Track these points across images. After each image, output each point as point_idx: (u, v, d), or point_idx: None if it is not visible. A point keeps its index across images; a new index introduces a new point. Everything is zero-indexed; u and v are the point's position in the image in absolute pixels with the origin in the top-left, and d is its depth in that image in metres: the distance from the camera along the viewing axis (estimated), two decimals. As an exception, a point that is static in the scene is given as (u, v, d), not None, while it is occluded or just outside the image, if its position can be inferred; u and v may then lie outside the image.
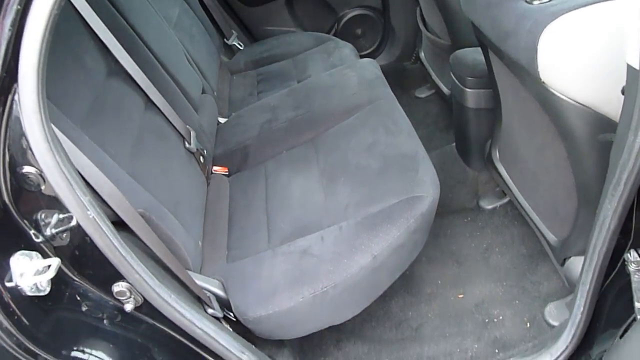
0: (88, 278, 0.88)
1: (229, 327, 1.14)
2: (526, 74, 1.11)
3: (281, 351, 1.29)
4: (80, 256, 0.86)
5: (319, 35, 2.29)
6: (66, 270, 0.86)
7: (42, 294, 0.80)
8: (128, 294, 0.90)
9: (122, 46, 1.31)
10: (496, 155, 1.61)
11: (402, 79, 2.51)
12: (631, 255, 0.95)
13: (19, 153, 0.77)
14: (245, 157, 1.65)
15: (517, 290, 1.49)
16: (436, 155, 1.90)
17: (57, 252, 0.84)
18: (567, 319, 1.12)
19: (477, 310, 1.46)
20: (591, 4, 0.97)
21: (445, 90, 2.11)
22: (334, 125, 1.60)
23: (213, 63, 2.08)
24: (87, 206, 0.80)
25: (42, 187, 0.80)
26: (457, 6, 1.68)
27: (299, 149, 1.59)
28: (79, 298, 0.87)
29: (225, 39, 2.41)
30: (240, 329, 1.16)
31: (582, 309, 1.06)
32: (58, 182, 0.78)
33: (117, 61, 1.29)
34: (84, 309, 0.88)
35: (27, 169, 0.78)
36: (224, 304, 1.19)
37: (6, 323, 0.76)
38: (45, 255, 0.81)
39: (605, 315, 1.06)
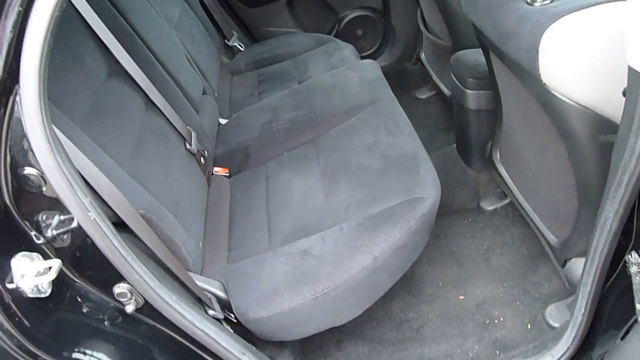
0: (89, 279, 0.88)
1: (229, 329, 1.14)
2: (527, 75, 1.11)
3: (282, 352, 1.29)
4: (81, 257, 0.86)
5: (320, 36, 2.29)
6: (67, 272, 0.86)
7: (43, 295, 0.80)
8: (129, 295, 0.90)
9: (123, 47, 1.31)
10: (497, 156, 1.61)
11: (402, 79, 2.51)
12: (632, 257, 0.95)
13: (20, 154, 0.77)
14: (246, 157, 1.65)
15: (518, 291, 1.49)
16: (437, 156, 1.90)
17: (58, 253, 0.84)
18: (568, 320, 1.12)
19: (477, 311, 1.46)
20: (592, 5, 0.97)
21: (445, 91, 2.11)
22: (335, 126, 1.60)
23: (214, 64, 2.08)
24: (88, 207, 0.80)
25: (43, 189, 0.80)
26: (457, 7, 1.67)
27: (299, 150, 1.59)
28: (79, 299, 0.87)
29: (226, 40, 2.41)
30: (241, 330, 1.16)
31: (583, 310, 1.06)
32: (59, 184, 0.78)
33: (117, 62, 1.29)
34: (84, 310, 0.88)
35: (28, 170, 0.78)
36: (225, 305, 1.19)
37: (7, 324, 0.76)
38: (46, 257, 0.81)
39: (606, 316, 1.06)
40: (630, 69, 0.81)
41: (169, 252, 1.05)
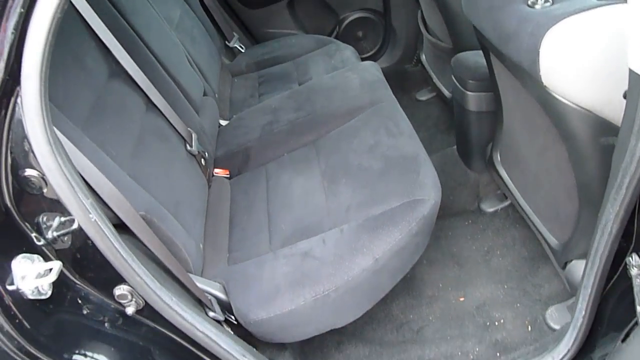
0: (89, 281, 0.88)
1: (230, 330, 1.14)
2: (528, 77, 1.11)
3: (282, 354, 1.29)
4: (82, 259, 0.86)
5: (321, 38, 2.29)
6: (67, 274, 0.86)
7: (43, 297, 0.80)
8: (129, 297, 0.90)
9: (123, 47, 1.31)
10: (497, 157, 1.61)
11: (403, 81, 2.51)
12: (633, 259, 0.95)
13: (21, 156, 0.77)
14: (247, 159, 1.65)
15: (518, 293, 1.49)
16: (437, 158, 1.90)
17: (59, 255, 0.84)
18: (569, 322, 1.12)
19: (478, 312, 1.46)
20: (593, 7, 0.97)
21: (446, 92, 2.12)
22: (336, 127, 1.60)
23: (214, 65, 2.08)
24: (89, 209, 0.80)
25: (44, 190, 0.80)
26: (458, 9, 1.68)
27: (300, 151, 1.59)
28: (80, 301, 0.87)
29: (226, 41, 2.41)
30: (241, 332, 1.16)
31: (583, 312, 1.06)
32: (60, 185, 0.78)
33: (118, 62, 1.29)
34: (85, 312, 0.88)
35: (29, 171, 0.78)
36: (225, 307, 1.19)
37: (7, 326, 0.76)
38: (46, 259, 0.81)
39: (607, 318, 1.06)
40: (631, 72, 0.81)
41: (170, 253, 1.05)
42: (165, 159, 1.32)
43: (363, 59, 2.15)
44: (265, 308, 1.13)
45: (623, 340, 0.97)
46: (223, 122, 1.86)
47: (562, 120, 1.08)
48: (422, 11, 2.23)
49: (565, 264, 1.34)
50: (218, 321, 1.13)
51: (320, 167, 1.48)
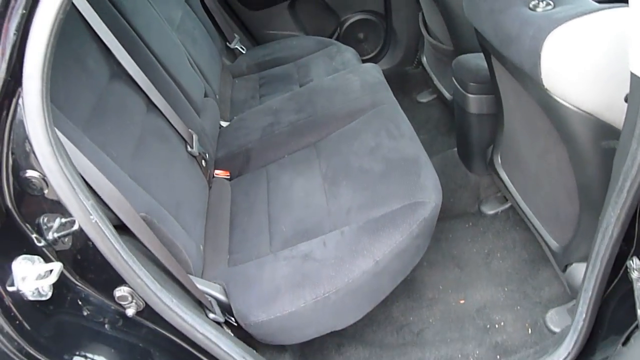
0: (90, 282, 0.88)
1: (230, 332, 1.14)
2: (529, 80, 1.11)
3: (282, 356, 1.29)
4: (82, 260, 0.86)
5: (321, 39, 2.29)
6: (68, 275, 0.86)
7: (43, 298, 0.80)
8: (130, 298, 0.90)
9: (125, 48, 1.31)
10: (498, 160, 1.61)
11: (403, 83, 2.51)
12: (634, 263, 0.95)
13: (23, 157, 0.77)
14: (247, 160, 1.65)
15: (519, 296, 1.48)
16: (438, 160, 1.90)
17: (59, 256, 0.84)
18: (569, 325, 1.12)
19: (478, 315, 1.46)
20: (595, 11, 0.97)
21: (446, 94, 2.12)
22: (337, 129, 1.60)
23: (215, 66, 2.08)
24: (89, 210, 0.80)
25: (45, 191, 0.80)
26: (459, 11, 1.68)
27: (301, 153, 1.59)
28: (80, 302, 0.87)
29: (227, 42, 2.41)
30: (242, 334, 1.16)
31: (584, 315, 1.06)
32: (61, 187, 0.77)
33: (119, 63, 1.29)
34: (85, 313, 0.88)
35: (30, 173, 0.78)
36: (225, 309, 1.18)
37: (7, 327, 0.76)
38: (47, 260, 0.81)
39: (608, 322, 1.06)
40: (632, 75, 0.81)
41: (170, 254, 1.04)
42: (165, 160, 1.32)
43: (364, 61, 2.15)
44: (265, 310, 1.13)
45: (624, 344, 0.97)
46: (224, 123, 1.86)
47: (563, 123, 1.08)
48: (423, 13, 2.23)
49: (566, 266, 1.34)
50: (218, 323, 1.13)
51: (321, 169, 1.48)
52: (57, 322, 0.85)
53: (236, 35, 2.45)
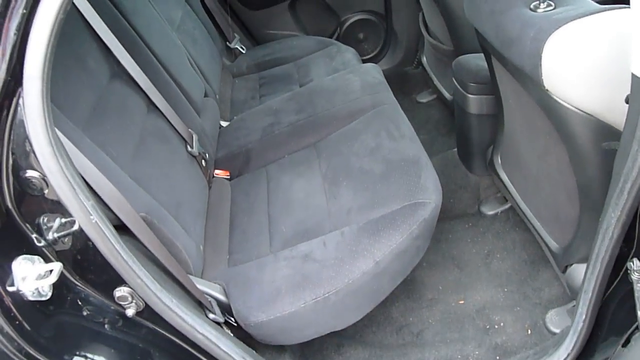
0: (90, 283, 0.87)
1: (230, 332, 1.14)
2: (529, 81, 1.11)
3: (282, 356, 1.29)
4: (82, 261, 0.86)
5: (322, 39, 2.29)
6: (68, 275, 0.85)
7: (43, 298, 0.80)
8: (130, 298, 0.90)
9: (125, 48, 1.31)
10: (498, 161, 1.61)
11: (403, 83, 2.51)
12: (634, 264, 0.95)
13: (23, 157, 0.77)
14: (247, 160, 1.65)
15: (518, 297, 1.49)
16: (438, 160, 1.90)
17: (59, 256, 0.84)
18: (569, 326, 1.12)
19: (478, 316, 1.46)
20: (596, 12, 0.97)
21: (446, 95, 2.12)
22: (337, 129, 1.60)
23: (215, 66, 2.08)
24: (90, 211, 0.80)
25: (45, 191, 0.79)
26: (460, 12, 1.68)
27: (301, 153, 1.59)
28: (80, 303, 0.87)
29: (227, 42, 2.41)
30: (241, 334, 1.16)
31: (584, 316, 1.06)
32: (61, 187, 0.77)
33: (119, 63, 1.29)
34: (85, 313, 0.88)
35: (30, 173, 0.78)
36: (225, 309, 1.18)
37: (7, 328, 0.76)
38: (47, 260, 0.81)
39: (608, 323, 1.06)
40: (633, 77, 0.81)
41: (170, 255, 1.04)
42: (166, 160, 1.32)
43: (364, 61, 2.14)
44: (265, 310, 1.13)
45: (624, 345, 0.97)
46: (224, 123, 1.86)
47: (563, 124, 1.08)
48: (423, 13, 2.23)
49: (566, 267, 1.34)
50: (218, 323, 1.13)
51: (321, 170, 1.48)
52: (57, 322, 0.85)
53: (236, 35, 2.45)
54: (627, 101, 0.85)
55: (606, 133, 1.02)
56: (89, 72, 1.18)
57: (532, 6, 1.09)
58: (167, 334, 0.97)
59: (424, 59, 2.40)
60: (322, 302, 1.13)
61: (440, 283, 1.58)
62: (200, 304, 1.12)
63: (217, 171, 1.61)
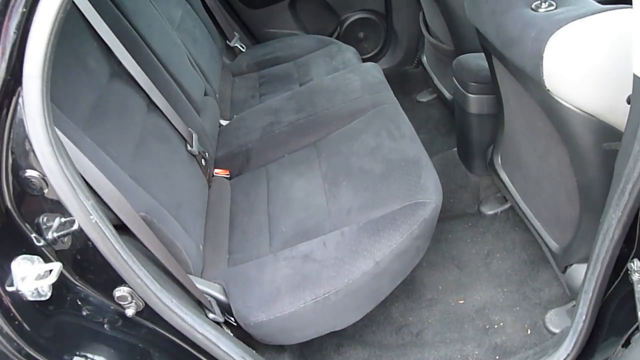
0: (89, 283, 0.87)
1: (229, 332, 1.13)
2: (530, 81, 1.11)
3: (281, 356, 1.29)
4: (82, 260, 0.85)
5: (322, 38, 2.29)
6: (67, 275, 0.85)
7: (43, 298, 0.79)
8: (129, 298, 0.90)
9: (125, 48, 1.31)
10: (498, 161, 1.61)
11: (403, 82, 2.51)
12: (634, 265, 0.95)
13: (22, 156, 0.77)
14: (247, 159, 1.65)
15: (518, 297, 1.48)
16: (438, 160, 1.90)
17: (59, 256, 0.83)
18: (569, 326, 1.12)
19: (477, 316, 1.46)
20: (597, 12, 0.97)
21: (447, 94, 2.11)
22: (337, 129, 1.60)
23: (215, 65, 2.07)
24: (90, 210, 0.80)
25: (45, 191, 0.79)
26: (460, 11, 1.67)
27: (301, 152, 1.59)
28: (80, 303, 0.87)
29: (227, 41, 2.40)
30: (241, 334, 1.16)
31: (584, 317, 1.06)
32: (61, 186, 0.77)
33: (119, 63, 1.29)
34: (84, 313, 0.88)
35: (30, 172, 0.77)
36: (225, 309, 1.18)
37: (7, 328, 0.76)
38: (46, 260, 0.81)
39: (608, 323, 1.06)
40: (635, 77, 0.81)
41: (170, 254, 1.04)
42: (166, 159, 1.32)
43: (364, 60, 2.14)
44: (265, 310, 1.13)
45: (624, 346, 0.97)
46: (224, 122, 1.86)
47: (564, 124, 1.08)
48: (423, 13, 2.23)
49: (566, 268, 1.34)
50: (218, 323, 1.12)
51: (321, 169, 1.48)
52: (56, 322, 0.84)
53: (236, 34, 2.45)
54: (628, 102, 0.85)
55: (607, 134, 1.02)
56: (89, 71, 1.18)
57: (533, 6, 1.09)
58: (166, 334, 0.97)
59: (424, 58, 2.40)
60: (322, 302, 1.13)
61: (439, 283, 1.58)
62: (200, 304, 1.12)
63: (216, 170, 1.61)
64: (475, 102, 1.61)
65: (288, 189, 1.46)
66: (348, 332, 1.45)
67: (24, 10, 0.70)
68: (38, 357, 0.79)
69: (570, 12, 1.00)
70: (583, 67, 0.98)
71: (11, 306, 0.77)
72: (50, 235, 0.81)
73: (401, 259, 1.20)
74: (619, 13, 0.95)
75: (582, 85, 0.99)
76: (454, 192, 1.82)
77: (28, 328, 0.78)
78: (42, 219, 0.81)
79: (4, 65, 0.71)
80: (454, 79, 1.68)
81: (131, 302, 0.90)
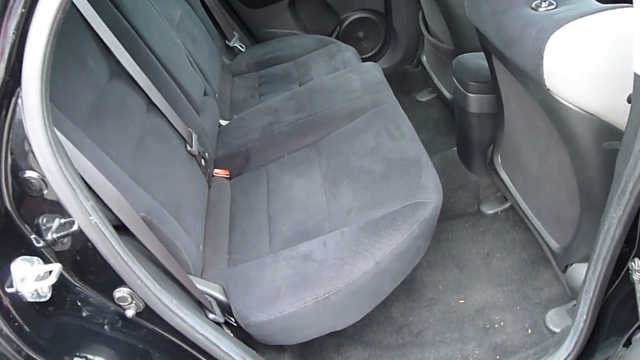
0: (89, 283, 0.87)
1: (229, 332, 1.13)
2: (531, 80, 1.10)
3: (281, 356, 1.29)
4: (82, 261, 0.85)
5: (321, 38, 2.29)
6: (67, 276, 0.85)
7: (42, 299, 0.79)
8: (129, 299, 0.90)
9: (124, 47, 1.31)
10: (498, 160, 1.61)
11: (403, 82, 2.50)
12: (635, 264, 0.95)
13: (21, 157, 0.77)
14: (247, 159, 1.65)
15: (518, 296, 1.48)
16: (437, 160, 1.90)
17: (59, 257, 0.83)
18: (570, 326, 1.12)
19: (478, 315, 1.46)
20: (598, 11, 0.97)
21: (446, 94, 2.11)
22: (337, 128, 1.60)
23: (215, 65, 2.07)
24: (89, 211, 0.79)
25: (44, 192, 0.79)
26: (460, 10, 1.67)
27: (301, 152, 1.59)
28: (80, 304, 0.87)
29: (227, 41, 2.40)
30: (241, 334, 1.15)
31: (585, 316, 1.06)
32: (61, 187, 0.77)
33: (119, 63, 1.29)
34: (84, 314, 0.87)
35: (29, 173, 0.77)
36: (225, 309, 1.18)
37: (6, 329, 0.76)
38: (46, 261, 0.81)
39: (609, 323, 1.06)
40: (636, 76, 0.81)
41: (170, 255, 1.04)
42: (165, 159, 1.32)
43: (363, 60, 2.14)
44: (265, 310, 1.13)
45: (625, 345, 0.97)
46: (223, 122, 1.85)
47: (565, 124, 1.07)
48: (423, 12, 2.23)
49: (566, 267, 1.33)
50: (218, 323, 1.12)
51: (321, 169, 1.48)
52: (56, 323, 0.84)
53: (235, 34, 2.44)
54: (629, 101, 0.85)
55: (608, 133, 1.02)
56: (88, 71, 1.17)
57: (533, 5, 1.09)
58: (167, 335, 0.97)
59: (424, 57, 2.39)
60: (322, 302, 1.13)
61: (440, 283, 1.58)
62: (200, 304, 1.12)
63: (216, 170, 1.61)
64: (475, 102, 1.61)
65: (288, 189, 1.46)
66: (348, 332, 1.45)
67: (23, 10, 0.70)
68: (38, 359, 0.79)
69: (571, 12, 0.99)
70: (583, 67, 0.98)
71: (11, 307, 0.76)
72: (49, 236, 0.81)
73: (401, 259, 1.20)
74: (620, 12, 0.95)
75: (583, 84, 0.99)
76: (453, 191, 1.82)
77: (28, 329, 0.78)
78: (42, 220, 0.81)
79: (2, 65, 0.71)
80: (454, 79, 1.67)
81: (131, 302, 0.90)
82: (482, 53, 1.45)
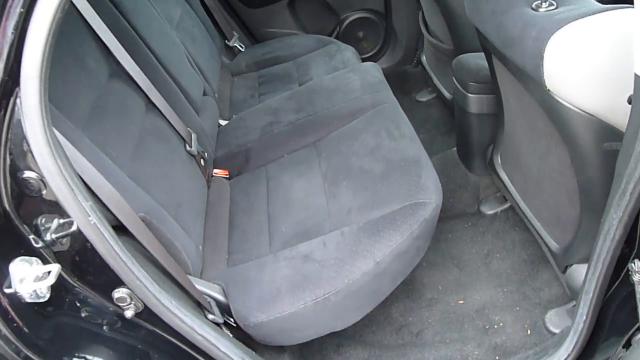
0: (88, 284, 0.87)
1: (229, 333, 1.13)
2: (531, 81, 1.10)
3: (281, 357, 1.28)
4: (81, 262, 0.85)
5: (321, 38, 2.28)
6: (66, 276, 0.85)
7: (41, 300, 0.79)
8: (128, 300, 0.89)
9: (124, 47, 1.30)
10: (498, 160, 1.61)
11: (403, 82, 2.50)
12: (635, 265, 0.95)
13: (20, 157, 0.76)
14: (247, 159, 1.64)
15: (518, 297, 1.48)
16: (437, 160, 1.90)
17: (57, 257, 0.83)
18: (569, 326, 1.12)
19: (477, 316, 1.46)
20: (598, 12, 0.97)
21: (446, 94, 2.11)
22: (337, 128, 1.60)
23: (214, 64, 2.07)
24: (88, 212, 0.79)
25: (43, 192, 0.79)
26: (460, 10, 1.67)
27: (300, 152, 1.59)
28: (78, 304, 0.86)
29: (226, 40, 2.40)
30: (240, 335, 1.15)
31: (584, 317, 1.06)
32: (60, 188, 0.77)
33: (118, 63, 1.28)
34: (83, 315, 0.87)
35: (28, 173, 0.77)
36: (224, 309, 1.18)
37: (5, 330, 0.76)
38: (45, 261, 0.80)
39: (608, 324, 1.06)
40: (636, 77, 0.80)
41: (169, 255, 1.04)
42: (165, 160, 1.32)
43: (363, 60, 2.14)
44: (265, 311, 1.13)
45: (625, 346, 0.97)
46: (223, 122, 1.85)
47: (565, 124, 1.07)
48: (423, 12, 2.23)
49: (566, 268, 1.33)
50: (217, 324, 1.12)
51: (321, 169, 1.47)
52: (55, 324, 0.84)
53: (235, 33, 2.44)
54: (629, 101, 0.85)
55: (608, 134, 1.02)
56: (87, 71, 1.17)
57: (533, 6, 1.09)
58: (166, 335, 0.97)
59: (424, 57, 2.39)
60: (322, 303, 1.13)
61: (439, 283, 1.58)
62: (199, 305, 1.11)
63: (216, 170, 1.61)
64: (475, 102, 1.61)
65: (288, 189, 1.46)
66: (348, 332, 1.45)
67: (22, 10, 0.70)
68: (37, 359, 0.79)
69: (571, 12, 0.99)
70: (584, 67, 0.98)
71: (9, 308, 0.76)
72: (48, 237, 0.80)
73: (401, 259, 1.20)
74: (620, 13, 0.95)
75: (583, 85, 0.99)
76: (453, 191, 1.82)
77: (26, 330, 0.78)
78: (41, 220, 0.80)
79: (1, 65, 0.71)
80: (454, 79, 1.67)
81: (130, 303, 0.90)
82: (482, 53, 1.44)
